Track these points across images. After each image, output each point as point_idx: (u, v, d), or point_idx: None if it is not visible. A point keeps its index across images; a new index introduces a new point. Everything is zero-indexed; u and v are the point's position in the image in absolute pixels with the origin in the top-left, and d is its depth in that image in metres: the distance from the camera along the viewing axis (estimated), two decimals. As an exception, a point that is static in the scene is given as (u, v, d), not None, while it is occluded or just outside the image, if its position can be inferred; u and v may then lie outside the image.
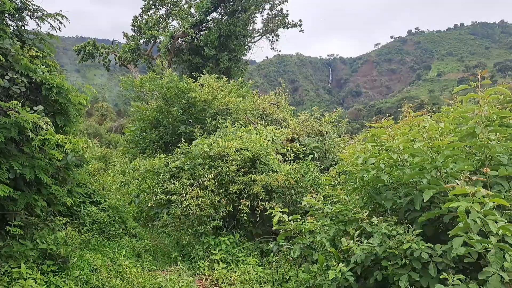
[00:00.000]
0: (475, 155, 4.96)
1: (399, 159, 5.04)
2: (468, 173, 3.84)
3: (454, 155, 4.62)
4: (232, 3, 25.44)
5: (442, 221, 4.80)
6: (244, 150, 9.92)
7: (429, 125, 4.82)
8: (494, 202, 3.54)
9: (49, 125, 5.99)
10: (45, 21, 7.49)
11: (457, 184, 3.69)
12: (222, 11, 26.50)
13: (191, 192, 9.11)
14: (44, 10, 7.45)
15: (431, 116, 6.28)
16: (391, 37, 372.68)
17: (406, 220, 5.09)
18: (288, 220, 5.92)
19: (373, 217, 5.07)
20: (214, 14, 26.79)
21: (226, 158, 9.73)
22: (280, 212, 5.98)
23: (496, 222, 3.61)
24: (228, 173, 9.46)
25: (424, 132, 4.60)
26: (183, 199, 9.03)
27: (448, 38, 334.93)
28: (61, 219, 7.03)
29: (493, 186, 4.83)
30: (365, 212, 5.22)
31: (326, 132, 13.43)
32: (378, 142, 5.58)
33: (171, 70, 14.06)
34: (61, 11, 7.59)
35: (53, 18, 7.52)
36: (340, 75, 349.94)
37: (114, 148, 35.65)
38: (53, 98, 6.72)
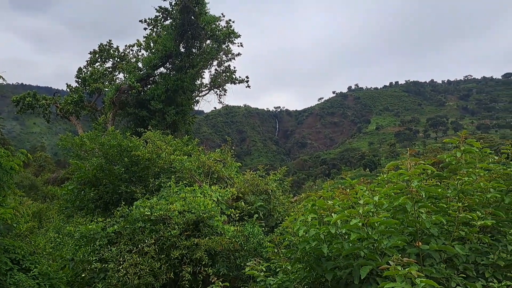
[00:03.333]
0: (408, 229, 5.18)
1: (337, 233, 5.14)
2: (401, 255, 3.97)
3: (388, 230, 4.80)
4: (180, 60, 25.88)
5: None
6: (188, 212, 9.70)
7: (364, 201, 4.99)
8: (424, 284, 3.66)
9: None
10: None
11: (390, 265, 3.80)
12: (170, 66, 26.82)
13: (129, 259, 8.66)
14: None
15: (368, 184, 6.54)
16: (333, 92, 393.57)
17: (346, 294, 5.12)
18: (229, 294, 5.73)
19: (313, 292, 5.06)
20: (162, 69, 27.07)
21: (168, 221, 9.44)
22: (220, 285, 5.79)
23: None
24: (169, 237, 9.15)
25: (360, 208, 4.77)
26: (120, 267, 8.55)
27: (385, 94, 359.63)
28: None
29: (426, 259, 5.02)
30: (306, 287, 5.20)
31: (271, 190, 13.50)
32: (319, 213, 5.69)
33: (114, 127, 13.75)
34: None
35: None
36: (287, 127, 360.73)
37: (51, 201, 33.55)
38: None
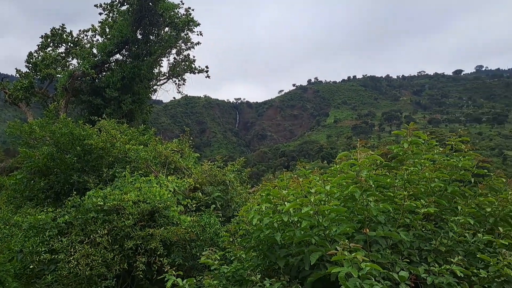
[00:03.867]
0: (357, 216, 5.38)
1: (290, 221, 5.26)
2: (349, 242, 4.13)
3: (338, 218, 4.97)
4: (137, 47, 25.17)
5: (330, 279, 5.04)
6: (143, 202, 9.56)
7: (316, 189, 5.13)
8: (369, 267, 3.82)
9: None
10: None
11: (337, 250, 3.94)
12: (127, 53, 26.03)
13: (80, 250, 8.44)
14: None
15: (321, 174, 6.72)
16: (293, 85, 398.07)
17: (297, 280, 5.25)
18: (183, 284, 5.72)
19: (265, 279, 5.15)
20: (118, 56, 26.23)
21: (122, 211, 9.26)
22: (174, 274, 5.76)
23: (372, 286, 3.90)
24: (123, 227, 8.99)
25: (312, 197, 4.89)
26: (71, 258, 8.32)
27: (343, 88, 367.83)
28: None
29: (373, 245, 5.24)
30: (258, 275, 5.28)
31: (229, 181, 13.54)
32: (273, 202, 5.78)
33: (66, 115, 13.24)
34: None
35: None
36: (247, 118, 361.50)
37: (-1, 192, 31.92)
38: None
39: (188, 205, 10.81)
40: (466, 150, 6.68)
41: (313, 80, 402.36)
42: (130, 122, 25.02)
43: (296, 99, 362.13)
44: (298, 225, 5.41)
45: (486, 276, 4.93)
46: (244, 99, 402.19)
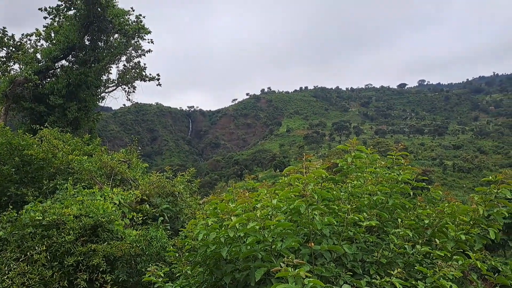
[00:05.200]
0: (303, 230, 5.44)
1: (236, 236, 5.22)
2: (293, 254, 4.15)
3: (284, 232, 5.00)
4: (84, 53, 24.28)
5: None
6: (85, 216, 9.14)
7: (263, 203, 5.13)
8: (312, 283, 3.85)
9: None
10: None
11: (281, 267, 3.94)
12: (73, 59, 25.02)
13: (16, 268, 7.91)
14: None
15: (269, 187, 6.74)
16: (247, 94, 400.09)
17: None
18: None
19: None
20: (64, 62, 25.13)
21: (63, 226, 8.80)
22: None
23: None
24: (63, 243, 8.54)
25: (258, 211, 4.89)
26: (5, 277, 7.77)
27: (295, 98, 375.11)
28: None
29: (318, 258, 5.31)
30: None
31: (178, 192, 13.30)
32: (220, 216, 5.72)
33: (4, 123, 12.46)
34: None
35: None
36: (200, 127, 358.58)
37: None
38: None
39: (134, 218, 10.47)
40: (406, 163, 6.99)
41: (266, 90, 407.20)
42: (76, 130, 24.03)
43: (250, 108, 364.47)
44: (245, 240, 5.38)
45: (423, 287, 5.14)
46: (197, 107, 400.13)
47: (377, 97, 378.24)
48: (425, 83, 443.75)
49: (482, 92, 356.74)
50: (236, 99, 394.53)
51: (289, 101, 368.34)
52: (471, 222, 6.26)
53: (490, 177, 6.36)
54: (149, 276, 6.08)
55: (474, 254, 5.52)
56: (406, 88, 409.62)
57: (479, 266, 5.32)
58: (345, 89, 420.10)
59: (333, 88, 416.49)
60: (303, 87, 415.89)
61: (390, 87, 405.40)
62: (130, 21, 25.86)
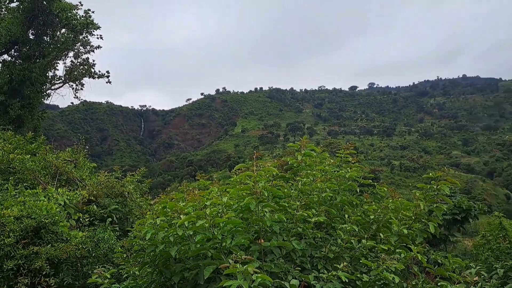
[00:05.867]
0: (254, 227, 5.47)
1: (186, 235, 5.16)
2: (243, 252, 4.16)
3: (235, 229, 5.00)
4: (28, 47, 23.07)
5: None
6: (27, 218, 8.68)
7: (213, 201, 5.11)
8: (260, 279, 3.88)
9: None
10: None
11: (230, 264, 3.94)
12: (16, 54, 23.71)
13: None
14: None
15: (220, 186, 6.72)
16: (202, 94, 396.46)
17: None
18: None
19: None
20: (6, 56, 23.77)
21: (2, 228, 8.31)
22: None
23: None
24: (2, 246, 8.06)
25: (208, 209, 4.86)
26: None
27: (250, 99, 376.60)
28: None
29: (268, 254, 5.36)
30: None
31: (128, 192, 12.95)
32: (169, 215, 5.63)
33: None
34: None
35: None
36: (153, 127, 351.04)
37: None
38: None
39: (81, 219, 10.08)
40: (353, 162, 7.22)
41: (221, 90, 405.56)
42: (19, 128, 22.78)
43: (204, 108, 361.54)
44: (194, 238, 5.32)
45: (368, 280, 5.33)
46: (150, 106, 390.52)
47: (330, 98, 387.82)
48: (375, 86, 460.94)
49: (427, 95, 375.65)
50: (190, 99, 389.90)
51: (244, 101, 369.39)
52: (413, 217, 6.58)
53: (431, 174, 6.71)
54: (95, 278, 5.88)
55: (416, 248, 5.79)
56: (357, 90, 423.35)
57: (420, 259, 5.59)
58: (299, 91, 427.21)
59: (288, 90, 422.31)
60: (258, 88, 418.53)
61: (342, 89, 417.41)
62: (78, 16, 24.88)
